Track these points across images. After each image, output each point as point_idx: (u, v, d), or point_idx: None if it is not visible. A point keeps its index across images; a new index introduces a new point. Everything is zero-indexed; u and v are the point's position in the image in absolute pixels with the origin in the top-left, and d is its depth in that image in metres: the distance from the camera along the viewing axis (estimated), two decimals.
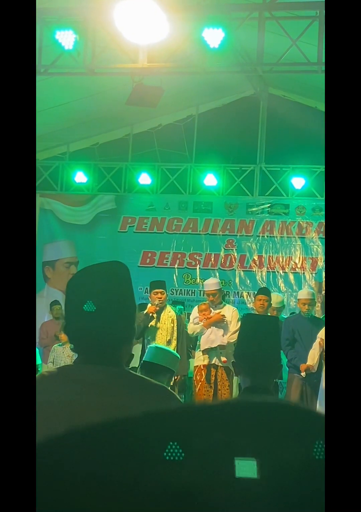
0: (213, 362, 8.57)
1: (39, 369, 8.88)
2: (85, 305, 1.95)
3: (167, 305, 8.90)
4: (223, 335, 8.58)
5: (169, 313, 8.71)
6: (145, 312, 8.62)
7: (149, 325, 8.57)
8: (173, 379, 8.52)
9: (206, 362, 8.59)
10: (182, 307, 11.42)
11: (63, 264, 14.27)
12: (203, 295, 12.92)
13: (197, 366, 8.71)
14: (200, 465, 0.50)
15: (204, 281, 13.26)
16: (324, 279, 13.11)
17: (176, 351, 8.61)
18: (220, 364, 8.55)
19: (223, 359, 8.49)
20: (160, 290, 8.74)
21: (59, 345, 9.54)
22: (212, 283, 9.11)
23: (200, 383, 8.60)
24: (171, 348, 8.55)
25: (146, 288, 13.28)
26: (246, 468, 0.50)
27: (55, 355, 9.42)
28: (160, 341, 8.42)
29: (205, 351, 8.63)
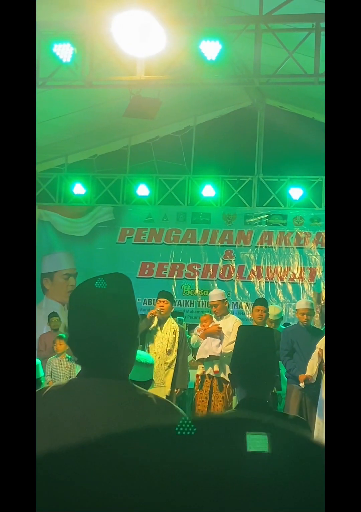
0: (207, 372, 8.62)
1: (42, 381, 8.85)
2: (96, 282, 1.96)
3: (172, 317, 8.94)
4: (217, 346, 8.61)
5: (172, 324, 8.77)
6: (147, 316, 8.69)
7: (150, 329, 8.61)
8: (174, 391, 8.57)
9: (199, 372, 8.66)
10: (182, 318, 11.46)
11: (61, 275, 14.28)
12: (202, 306, 12.97)
13: (196, 375, 8.78)
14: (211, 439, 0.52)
15: (202, 292, 13.32)
16: (322, 290, 13.13)
17: (177, 364, 8.67)
18: (214, 375, 8.59)
19: (215, 369, 8.53)
20: (164, 299, 8.80)
21: (55, 357, 9.52)
22: (214, 294, 9.17)
23: (196, 392, 8.68)
24: (171, 359, 8.59)
25: (145, 299, 13.32)
26: (257, 442, 0.51)
27: (52, 368, 9.40)
28: (160, 350, 8.48)
29: (199, 361, 8.71)
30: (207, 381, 8.59)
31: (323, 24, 8.80)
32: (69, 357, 9.08)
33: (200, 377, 8.64)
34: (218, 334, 8.68)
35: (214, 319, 8.87)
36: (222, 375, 8.46)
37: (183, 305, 13.41)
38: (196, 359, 8.76)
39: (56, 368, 9.37)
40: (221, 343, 8.63)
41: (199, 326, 8.91)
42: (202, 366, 8.66)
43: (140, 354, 4.35)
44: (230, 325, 8.76)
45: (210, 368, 8.61)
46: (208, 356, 8.59)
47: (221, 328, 8.70)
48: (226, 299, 9.35)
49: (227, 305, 9.24)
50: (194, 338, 8.92)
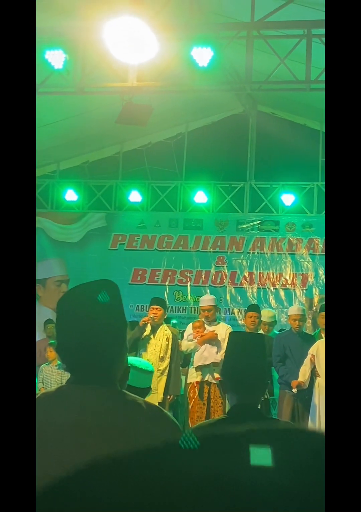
0: (206, 379, 8.58)
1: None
2: (99, 296, 1.96)
3: (165, 324, 8.92)
4: (217, 352, 8.60)
5: (165, 331, 8.73)
6: (140, 324, 8.68)
7: (143, 337, 8.59)
8: (167, 398, 8.53)
9: (199, 379, 8.60)
10: (176, 321, 11.46)
11: (54, 282, 14.25)
12: (195, 312, 12.95)
13: (190, 383, 8.71)
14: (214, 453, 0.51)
15: (195, 298, 13.30)
16: (315, 296, 13.14)
17: (170, 371, 8.63)
18: (213, 381, 8.55)
19: (216, 376, 8.50)
20: (157, 306, 8.79)
21: (46, 364, 9.50)
22: (207, 299, 9.18)
23: (193, 400, 8.60)
24: (164, 366, 8.56)
25: (138, 306, 13.31)
26: (261, 455, 0.51)
27: (44, 375, 9.38)
28: (153, 356, 8.44)
29: (198, 368, 8.64)
30: (204, 388, 8.57)
31: (314, 31, 8.84)
32: (60, 363, 9.06)
33: (198, 385, 8.59)
34: (214, 340, 8.68)
35: (205, 325, 8.86)
36: None
37: (175, 312, 13.39)
38: (195, 366, 8.69)
39: (47, 375, 9.35)
40: (218, 349, 8.61)
41: (191, 332, 8.86)
42: (200, 373, 8.62)
43: (140, 361, 4.34)
44: (222, 331, 8.77)
45: (208, 374, 8.58)
46: (209, 363, 8.58)
47: (217, 334, 8.70)
48: (217, 305, 9.37)
49: (218, 312, 9.25)
50: (188, 344, 8.83)
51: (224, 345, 8.53)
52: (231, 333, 3.37)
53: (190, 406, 8.66)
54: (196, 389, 8.59)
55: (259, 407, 3.04)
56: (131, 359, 3.33)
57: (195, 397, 8.58)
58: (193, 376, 8.71)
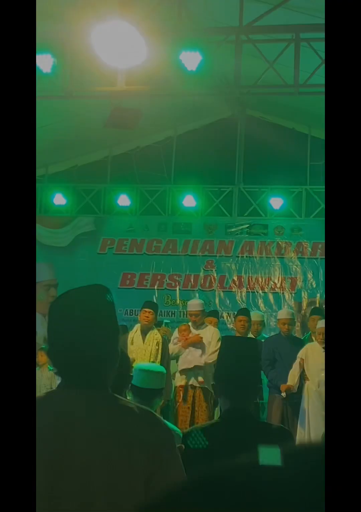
0: (190, 382, 8.59)
1: None
2: (107, 296, 1.97)
3: (155, 328, 8.90)
4: (201, 356, 8.61)
5: (155, 335, 8.71)
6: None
7: (132, 342, 8.59)
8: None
9: (183, 383, 8.62)
10: (168, 321, 11.48)
11: (42, 286, 14.19)
12: (184, 316, 12.94)
13: (176, 386, 8.73)
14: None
15: (184, 302, 13.30)
16: (303, 299, 13.17)
17: None
18: (197, 385, 8.56)
19: (200, 379, 8.51)
20: (149, 309, 8.78)
21: (37, 368, 9.47)
22: (195, 304, 9.20)
23: (178, 403, 8.61)
24: None
25: (127, 310, 13.28)
26: (270, 455, 0.50)
27: None
28: (143, 362, 8.42)
29: (182, 372, 8.66)
30: (189, 391, 8.56)
31: (302, 35, 8.88)
32: (51, 368, 9.03)
33: (183, 388, 8.59)
34: (199, 343, 8.68)
35: (192, 329, 8.87)
36: (205, 385, 8.44)
37: (164, 315, 13.37)
38: (179, 370, 8.71)
39: (38, 379, 9.31)
40: (203, 352, 8.62)
41: (177, 336, 8.88)
42: (185, 376, 8.63)
43: (150, 365, 4.34)
44: (208, 335, 8.79)
45: (193, 378, 8.58)
46: (192, 366, 8.58)
47: (201, 337, 8.70)
48: (204, 309, 9.40)
49: (204, 316, 9.27)
50: (173, 347, 8.84)
51: (210, 348, 8.56)
52: (223, 337, 3.38)
53: (175, 410, 8.68)
54: (181, 393, 8.60)
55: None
56: (142, 364, 3.35)
57: (179, 401, 8.60)
58: (178, 380, 8.73)
